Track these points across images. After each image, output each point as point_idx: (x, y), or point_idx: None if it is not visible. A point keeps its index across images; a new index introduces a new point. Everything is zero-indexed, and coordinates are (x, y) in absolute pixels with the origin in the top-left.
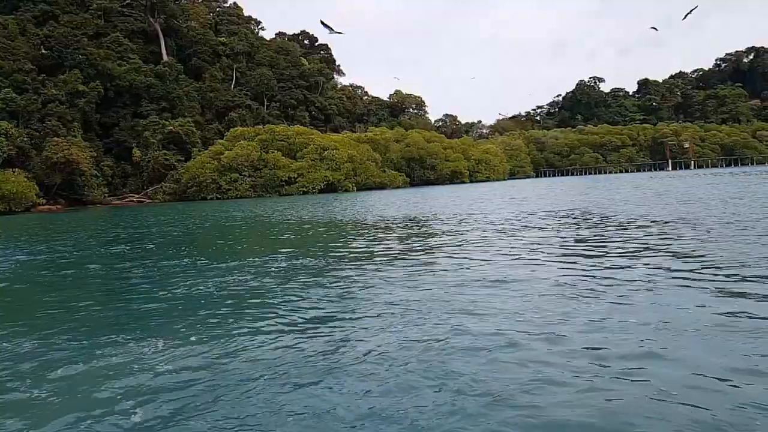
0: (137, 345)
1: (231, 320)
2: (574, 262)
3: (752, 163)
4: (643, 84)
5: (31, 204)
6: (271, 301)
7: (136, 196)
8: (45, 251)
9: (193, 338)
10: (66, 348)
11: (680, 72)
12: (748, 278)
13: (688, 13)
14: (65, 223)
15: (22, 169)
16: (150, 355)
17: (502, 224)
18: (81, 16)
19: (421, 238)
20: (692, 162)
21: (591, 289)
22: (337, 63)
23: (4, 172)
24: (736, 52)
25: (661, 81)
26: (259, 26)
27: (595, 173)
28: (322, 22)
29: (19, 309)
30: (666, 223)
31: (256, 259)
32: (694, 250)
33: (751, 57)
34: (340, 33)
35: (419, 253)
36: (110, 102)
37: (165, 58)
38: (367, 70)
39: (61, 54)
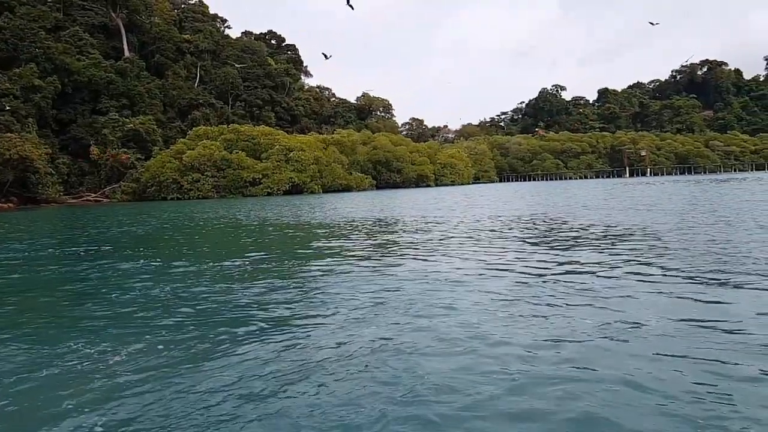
0: (92, 349)
1: (189, 323)
2: (536, 261)
3: (705, 172)
4: (603, 93)
5: None
6: (231, 303)
7: (94, 195)
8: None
9: (148, 342)
10: (18, 353)
11: (638, 82)
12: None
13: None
14: (18, 223)
15: None
16: (105, 360)
17: (473, 226)
18: (38, 8)
19: (386, 240)
20: (648, 169)
21: (551, 286)
22: (304, 64)
23: None
24: (691, 64)
25: (620, 90)
26: (225, 24)
27: (556, 179)
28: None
29: None
30: (624, 229)
31: (218, 261)
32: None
33: (705, 69)
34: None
35: (384, 254)
36: (68, 98)
37: (126, 54)
38: (335, 70)
39: (17, 47)
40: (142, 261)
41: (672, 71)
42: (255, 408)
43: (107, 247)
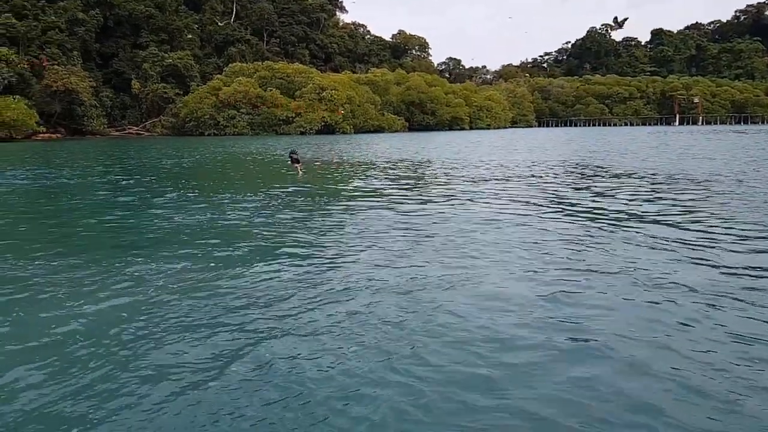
0: (135, 269)
1: (229, 250)
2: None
3: (763, 122)
4: (657, 34)
5: (31, 132)
6: (264, 234)
7: (135, 128)
8: (48, 177)
9: (183, 264)
10: (63, 269)
11: (696, 23)
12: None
13: None
14: (67, 152)
15: (22, 96)
16: (146, 278)
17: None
18: None
19: (421, 181)
20: (700, 118)
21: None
22: None
23: (4, 98)
24: (758, 3)
25: (675, 32)
26: None
27: (600, 125)
28: None
29: (23, 233)
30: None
31: (255, 193)
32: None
33: None
34: None
35: (418, 195)
36: (110, 31)
37: None
38: (371, 5)
39: None
40: (183, 191)
41: (735, 11)
42: (291, 325)
43: (151, 177)
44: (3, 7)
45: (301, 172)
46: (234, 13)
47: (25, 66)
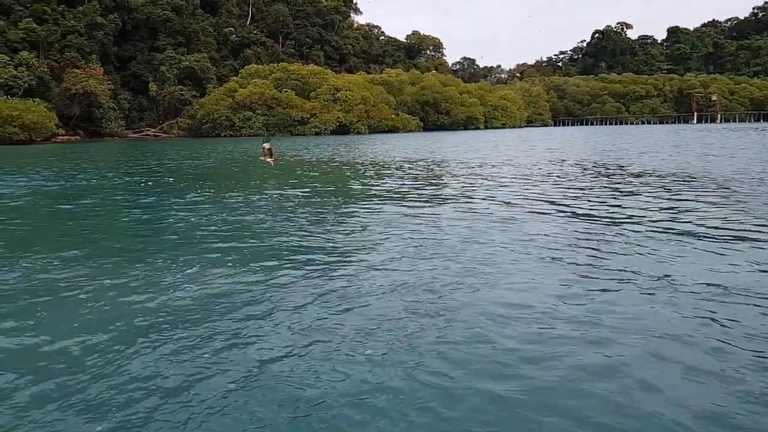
0: (153, 272)
1: (246, 251)
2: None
3: None
4: (673, 32)
5: (50, 134)
6: (281, 235)
7: (152, 130)
8: (68, 179)
9: (200, 266)
10: (81, 269)
11: (713, 20)
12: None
13: None
14: (87, 154)
15: (42, 100)
16: (163, 279)
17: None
18: None
19: (437, 181)
20: (719, 115)
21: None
22: (354, 1)
23: (24, 101)
24: None
25: (692, 29)
26: None
27: (616, 123)
28: None
29: (41, 233)
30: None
31: (270, 194)
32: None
33: None
34: None
35: (433, 195)
36: (128, 35)
37: None
38: (385, 6)
39: None
40: (201, 192)
41: (753, 8)
42: (313, 322)
43: (169, 179)
44: (24, 13)
45: (270, 161)
46: (250, 15)
47: (45, 69)
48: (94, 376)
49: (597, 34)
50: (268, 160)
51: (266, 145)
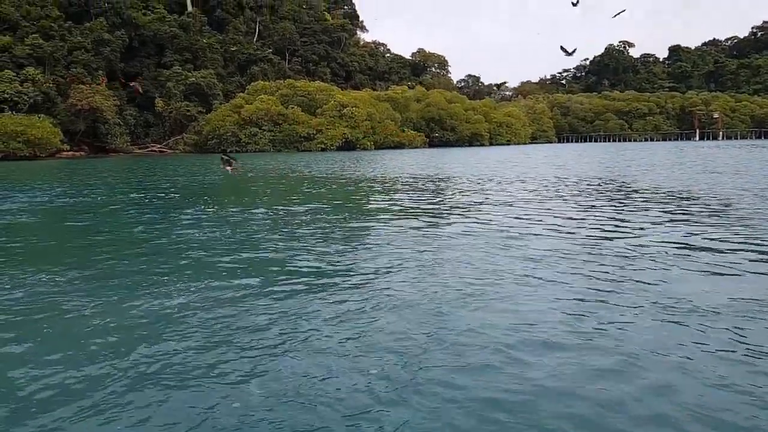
0: (158, 289)
1: (250, 267)
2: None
3: None
4: (674, 50)
5: (55, 150)
6: (286, 252)
7: (158, 146)
8: (72, 195)
9: (205, 281)
10: (86, 285)
11: (714, 39)
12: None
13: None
14: (92, 170)
15: (47, 115)
16: (168, 295)
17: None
18: None
19: (443, 198)
20: (721, 133)
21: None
22: (360, 19)
23: (30, 117)
24: None
25: (693, 48)
26: None
27: (619, 140)
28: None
29: (47, 249)
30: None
31: (277, 210)
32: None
33: None
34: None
35: (439, 213)
36: (134, 51)
37: (189, 8)
38: (390, 25)
39: (87, 2)
40: (206, 208)
41: (752, 27)
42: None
43: (174, 195)
44: (30, 28)
45: (231, 171)
46: (257, 33)
47: (51, 85)
48: (96, 392)
49: (597, 57)
50: (228, 168)
51: (225, 158)
